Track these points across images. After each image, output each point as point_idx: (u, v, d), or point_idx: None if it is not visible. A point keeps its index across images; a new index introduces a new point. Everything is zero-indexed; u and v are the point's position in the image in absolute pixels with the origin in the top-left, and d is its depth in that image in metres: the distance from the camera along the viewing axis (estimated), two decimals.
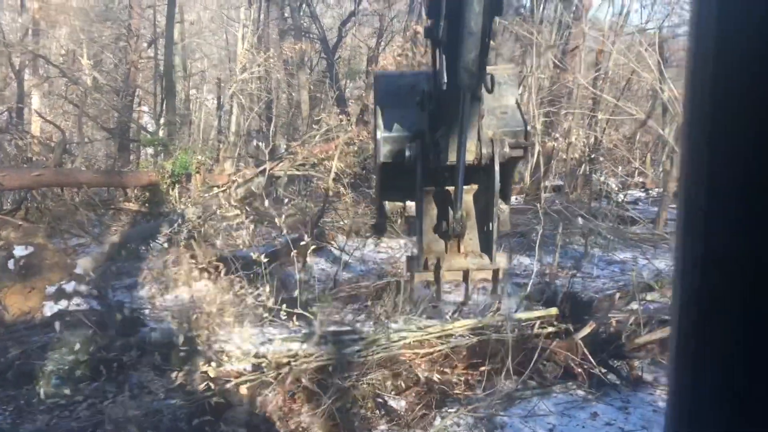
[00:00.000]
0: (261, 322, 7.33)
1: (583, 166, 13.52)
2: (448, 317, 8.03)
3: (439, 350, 7.12)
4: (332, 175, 9.35)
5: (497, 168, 2.90)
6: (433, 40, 2.68)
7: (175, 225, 11.06)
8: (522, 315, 7.63)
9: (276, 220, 9.33)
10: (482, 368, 6.98)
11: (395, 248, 11.21)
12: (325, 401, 6.21)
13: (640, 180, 17.38)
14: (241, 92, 18.82)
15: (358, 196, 11.93)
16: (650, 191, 16.62)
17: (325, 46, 20.90)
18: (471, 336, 7.33)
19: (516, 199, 13.71)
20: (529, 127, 3.02)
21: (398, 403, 6.71)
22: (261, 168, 12.94)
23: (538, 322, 7.43)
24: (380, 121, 3.02)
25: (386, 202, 3.50)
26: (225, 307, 7.43)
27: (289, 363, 6.56)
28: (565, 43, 14.18)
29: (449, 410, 6.55)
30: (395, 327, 7.68)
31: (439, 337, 7.36)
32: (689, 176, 0.76)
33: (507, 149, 2.88)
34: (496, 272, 3.14)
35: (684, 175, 0.77)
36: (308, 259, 9.37)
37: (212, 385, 6.03)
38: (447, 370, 7.09)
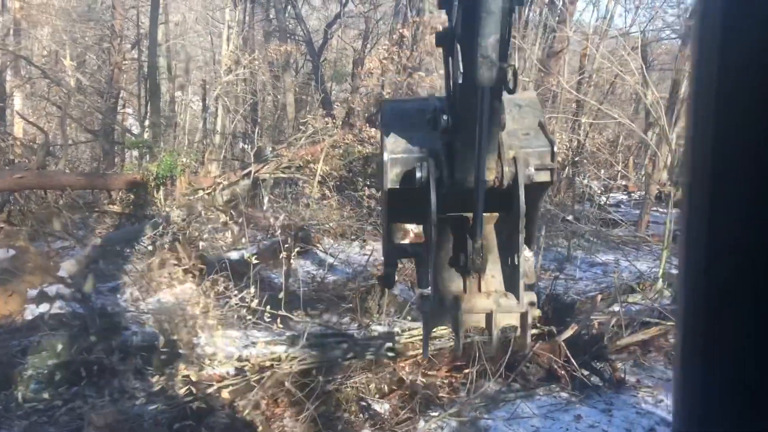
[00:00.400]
0: (244, 325, 7.30)
1: (566, 170, 13.61)
2: None
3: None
4: (317, 177, 9.34)
5: (521, 190, 2.63)
6: (446, 45, 2.52)
7: (160, 227, 11.00)
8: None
9: (271, 220, 9.31)
10: (466, 371, 7.01)
11: (379, 250, 11.22)
12: (308, 405, 6.20)
13: (623, 183, 17.52)
14: (226, 94, 18.76)
15: (343, 199, 11.93)
16: (632, 194, 16.77)
17: (311, 48, 20.88)
18: (452, 338, 7.35)
19: None
20: (556, 148, 2.84)
21: (382, 407, 6.71)
22: (246, 171, 12.90)
23: None
24: (386, 143, 2.81)
25: (394, 244, 3.23)
26: (208, 309, 7.39)
27: (272, 366, 6.55)
28: (550, 46, 14.27)
29: (433, 413, 6.56)
30: (380, 329, 7.69)
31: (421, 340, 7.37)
32: (695, 173, 0.75)
33: (532, 170, 2.64)
34: (524, 316, 2.56)
35: (689, 172, 0.76)
36: (293, 261, 9.36)
37: (194, 390, 6.00)
38: (431, 372, 7.10)
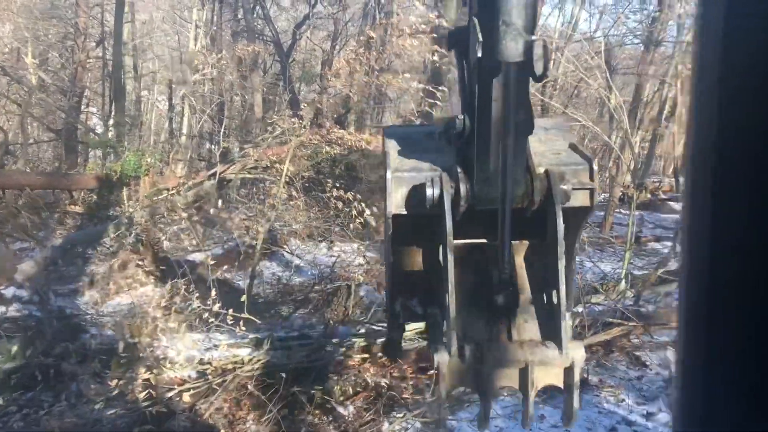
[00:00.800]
0: (207, 328, 7.20)
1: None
2: None
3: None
4: (284, 178, 9.27)
5: (558, 207, 2.15)
6: (458, 44, 2.15)
7: (123, 228, 10.80)
8: None
9: (235, 222, 9.22)
10: (431, 372, 7.00)
11: (348, 252, 11.18)
12: (271, 408, 6.14)
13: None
14: (193, 94, 18.53)
15: (311, 200, 11.87)
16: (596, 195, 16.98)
17: (279, 48, 20.75)
18: (420, 339, 7.35)
19: None
20: (595, 166, 2.31)
21: (346, 409, 6.68)
22: (212, 171, 12.75)
23: None
24: (390, 161, 2.33)
25: (398, 301, 2.53)
26: (170, 312, 7.27)
27: (234, 369, 6.47)
28: None
29: (397, 415, 6.55)
30: (345, 331, 7.66)
31: (388, 340, 7.36)
32: (696, 174, 0.75)
33: (569, 187, 2.18)
34: (569, 372, 2.17)
35: (691, 174, 0.76)
36: (259, 263, 9.27)
37: (154, 393, 5.89)
38: (396, 374, 7.09)
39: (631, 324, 7.75)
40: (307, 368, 6.90)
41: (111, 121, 19.80)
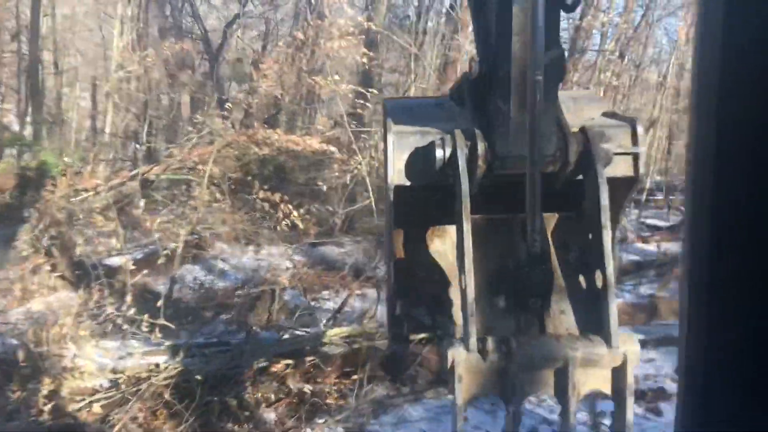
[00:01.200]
0: (122, 335, 6.90)
1: None
2: (322, 326, 7.92)
3: (311, 360, 6.99)
4: (206, 179, 9.01)
5: (600, 166, 1.73)
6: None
7: (36, 231, 10.26)
8: None
9: (155, 224, 8.88)
10: (354, 377, 6.93)
11: (275, 255, 10.98)
12: (188, 417, 5.92)
13: None
14: (117, 92, 17.89)
15: (238, 202, 11.60)
16: None
17: (208, 47, 20.29)
18: (345, 344, 7.27)
19: None
20: (639, 127, 1.87)
21: (268, 416, 6.53)
22: (134, 172, 12.30)
23: None
24: (390, 125, 1.95)
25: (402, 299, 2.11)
26: (82, 318, 6.94)
27: (149, 378, 6.21)
28: (446, 55, 14.56)
29: (319, 421, 6.44)
30: (268, 337, 7.49)
31: (312, 346, 7.24)
32: (697, 173, 0.74)
33: (611, 146, 1.80)
34: (619, 372, 1.73)
35: (692, 172, 0.75)
36: (180, 267, 8.98)
37: (60, 405, 5.58)
38: (319, 379, 6.98)
39: None
40: (227, 375, 6.70)
41: (28, 119, 18.86)
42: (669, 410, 6.76)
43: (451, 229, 1.96)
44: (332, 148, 9.38)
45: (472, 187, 1.78)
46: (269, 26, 20.59)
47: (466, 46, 12.80)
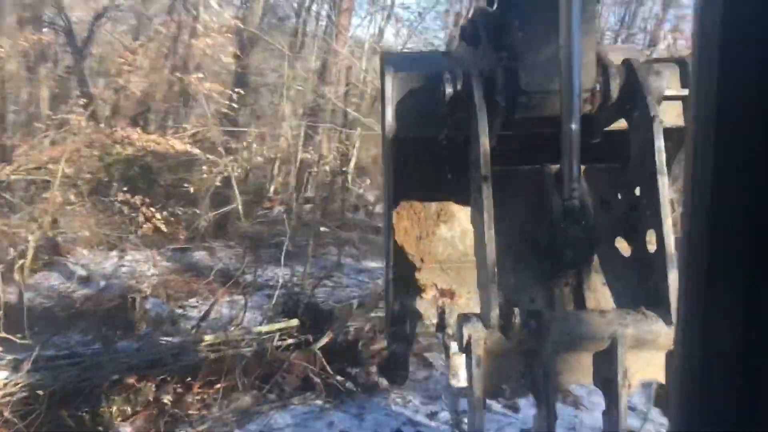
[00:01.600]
0: None
1: (340, 179, 13.89)
2: (187, 334, 7.64)
3: (172, 370, 6.71)
4: (58, 179, 8.42)
5: (652, 104, 1.42)
6: None
7: None
8: (262, 328, 7.50)
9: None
10: (218, 386, 6.72)
11: (140, 260, 10.47)
12: None
13: None
14: None
15: (98, 205, 10.95)
16: None
17: (72, 40, 19.06)
18: (208, 352, 7.04)
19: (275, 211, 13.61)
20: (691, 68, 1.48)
21: (124, 430, 6.18)
22: None
23: (278, 334, 7.36)
24: (389, 67, 1.63)
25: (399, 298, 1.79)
26: None
27: None
28: (324, 58, 14.52)
29: None
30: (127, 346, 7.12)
31: (173, 356, 6.96)
32: (696, 173, 0.74)
33: (663, 83, 1.49)
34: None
35: (690, 171, 0.74)
36: (30, 274, 8.35)
37: None
38: (180, 390, 6.70)
39: None
40: (80, 389, 6.29)
41: None
42: (526, 406, 7.04)
43: (460, 212, 1.72)
44: (196, 150, 9.02)
45: (491, 132, 1.45)
46: (140, 20, 19.67)
47: (344, 50, 12.87)
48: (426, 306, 1.80)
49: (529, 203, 1.64)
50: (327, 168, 10.97)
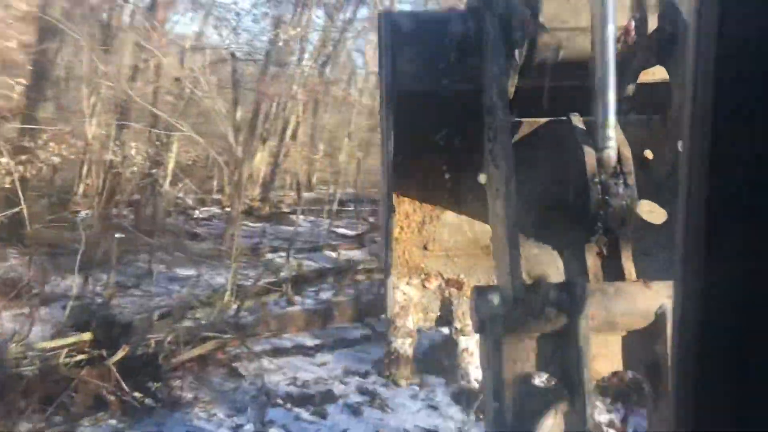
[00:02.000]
0: None
1: (156, 182, 13.16)
2: None
3: None
4: None
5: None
6: None
7: None
8: (48, 344, 6.85)
9: None
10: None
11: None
12: None
13: (218, 197, 17.89)
14: None
15: None
16: (226, 208, 17.22)
17: None
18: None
19: (87, 214, 12.54)
20: None
21: None
22: None
23: (66, 350, 6.75)
24: (387, 15, 1.43)
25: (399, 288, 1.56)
26: None
27: None
28: (135, 53, 13.69)
29: None
30: None
31: None
32: (692, 173, 0.72)
33: None
34: None
35: (687, 173, 0.73)
36: None
37: None
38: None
39: (226, 337, 7.79)
40: None
41: None
42: (335, 413, 7.05)
43: (468, 195, 1.47)
44: None
45: (509, 80, 1.23)
46: None
47: (158, 47, 12.20)
48: (430, 297, 1.61)
49: (553, 162, 1.43)
50: (135, 169, 10.32)
